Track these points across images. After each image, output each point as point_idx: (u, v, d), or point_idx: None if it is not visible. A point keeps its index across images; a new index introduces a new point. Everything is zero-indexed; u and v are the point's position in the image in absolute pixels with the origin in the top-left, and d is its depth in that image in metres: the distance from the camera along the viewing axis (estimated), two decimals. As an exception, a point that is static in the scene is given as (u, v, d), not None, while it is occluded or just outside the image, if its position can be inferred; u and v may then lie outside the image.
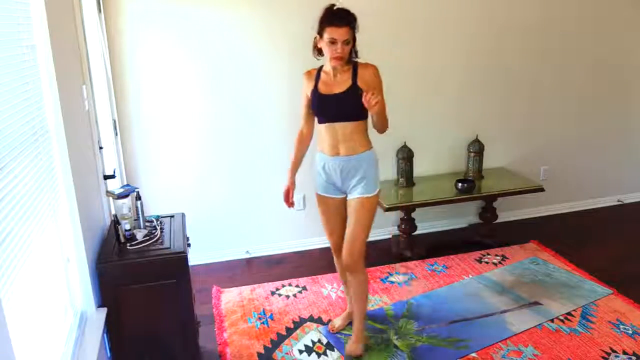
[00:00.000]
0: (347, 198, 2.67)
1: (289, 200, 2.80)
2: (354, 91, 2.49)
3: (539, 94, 4.26)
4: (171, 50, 3.46)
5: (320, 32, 2.45)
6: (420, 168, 4.04)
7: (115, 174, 2.93)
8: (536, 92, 4.25)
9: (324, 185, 2.71)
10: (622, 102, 4.53)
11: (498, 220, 4.11)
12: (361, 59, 2.59)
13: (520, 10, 4.00)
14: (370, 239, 4.17)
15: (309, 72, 2.65)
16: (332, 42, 2.41)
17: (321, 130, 2.63)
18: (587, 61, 4.29)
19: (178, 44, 3.46)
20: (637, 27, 4.36)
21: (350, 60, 2.53)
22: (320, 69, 2.61)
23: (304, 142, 2.79)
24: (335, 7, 2.45)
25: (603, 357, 2.68)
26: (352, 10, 2.45)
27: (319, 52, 2.55)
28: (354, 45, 2.49)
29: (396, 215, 4.01)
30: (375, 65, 2.57)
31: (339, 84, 2.54)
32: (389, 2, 3.73)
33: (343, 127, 2.56)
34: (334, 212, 2.75)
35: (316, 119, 2.67)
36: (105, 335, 2.32)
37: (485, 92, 4.12)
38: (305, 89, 2.65)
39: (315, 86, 2.58)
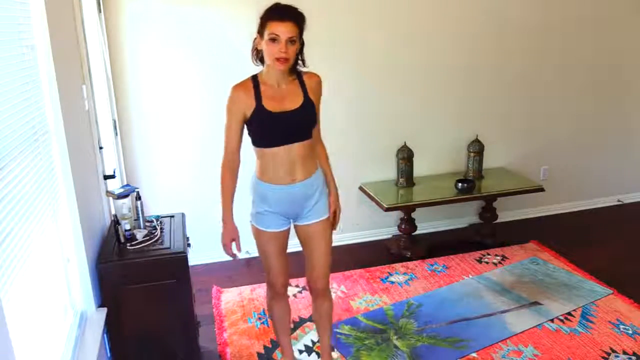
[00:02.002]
0: (300, 224, 2.33)
1: (231, 250, 2.33)
2: (309, 106, 2.18)
3: (539, 94, 4.26)
4: (171, 50, 3.46)
5: (261, 30, 2.08)
6: (420, 168, 4.04)
7: (115, 174, 2.92)
8: (536, 92, 4.25)
9: (272, 219, 2.28)
10: (622, 102, 4.53)
11: (498, 220, 4.11)
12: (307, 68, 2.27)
13: (521, 10, 4.00)
14: (371, 239, 4.22)
15: (241, 86, 2.15)
16: (274, 39, 2.02)
17: (268, 156, 2.18)
18: (587, 61, 4.29)
19: (178, 44, 3.46)
20: (637, 27, 4.36)
21: (294, 69, 2.19)
22: (255, 81, 2.15)
23: (235, 174, 2.26)
24: (281, 3, 2.10)
25: (603, 357, 2.68)
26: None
27: (257, 56, 2.17)
28: (301, 51, 2.15)
29: (396, 215, 4.01)
30: (318, 74, 2.27)
31: (290, 98, 2.16)
32: (389, 2, 3.73)
33: (300, 148, 2.17)
34: (283, 246, 2.39)
35: (253, 145, 2.22)
36: (105, 335, 2.32)
37: (485, 92, 4.12)
38: (239, 108, 2.13)
39: (259, 103, 2.11)
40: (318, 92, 2.25)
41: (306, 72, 2.25)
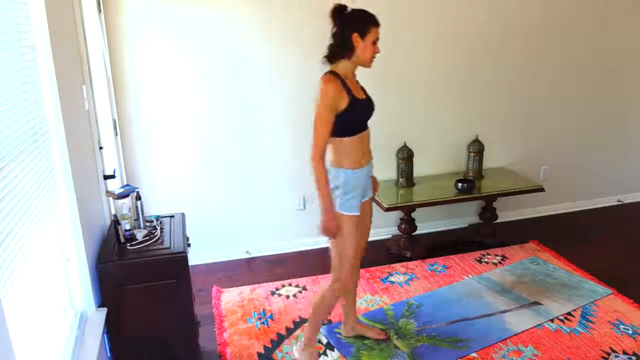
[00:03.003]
0: (363, 200, 2.49)
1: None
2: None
3: (539, 94, 4.26)
4: (171, 50, 3.46)
5: (364, 33, 2.34)
6: (420, 168, 4.04)
7: (115, 174, 2.92)
8: (536, 92, 4.25)
9: (357, 203, 2.42)
10: (622, 102, 4.53)
11: (498, 220, 4.11)
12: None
13: (521, 11, 4.00)
14: (371, 238, 4.19)
15: (335, 82, 2.32)
16: (375, 42, 2.38)
17: (352, 144, 2.36)
18: (587, 61, 4.29)
19: (178, 44, 3.46)
20: (637, 27, 4.36)
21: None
22: (337, 76, 2.34)
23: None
24: (362, 9, 2.41)
25: (603, 357, 2.68)
26: (352, 10, 2.44)
27: (342, 51, 2.38)
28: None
29: (396, 215, 4.01)
30: None
31: (358, 90, 2.45)
32: (389, 2, 3.72)
33: (368, 133, 2.49)
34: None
35: (338, 136, 2.36)
36: (105, 335, 2.32)
37: (485, 92, 4.12)
38: (336, 102, 2.29)
39: (352, 95, 2.34)
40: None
41: None
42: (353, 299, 2.84)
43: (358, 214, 2.42)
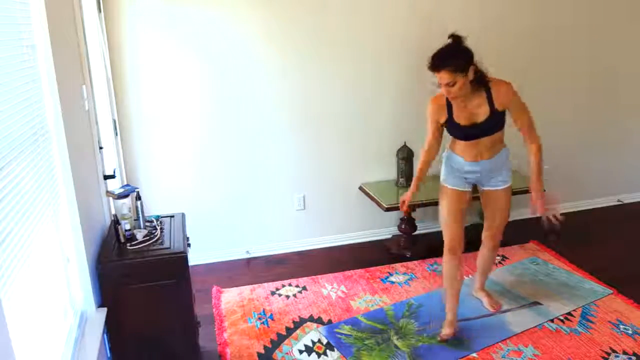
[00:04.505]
0: (487, 189, 2.82)
1: (404, 205, 2.91)
2: (496, 116, 2.59)
3: (539, 94, 4.25)
4: (171, 50, 3.46)
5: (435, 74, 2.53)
6: (420, 168, 4.04)
7: (115, 174, 2.92)
8: (536, 92, 4.24)
9: (456, 180, 2.79)
10: (622, 102, 4.53)
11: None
12: (489, 72, 2.60)
13: (519, 13, 4.00)
14: (371, 238, 4.22)
15: (436, 100, 2.68)
16: (441, 84, 2.50)
17: (458, 142, 2.73)
18: (586, 62, 4.29)
19: (178, 44, 3.46)
20: (635, 29, 4.36)
21: (481, 81, 2.54)
22: (441, 96, 2.63)
23: (430, 155, 2.82)
24: (441, 49, 2.51)
25: (603, 357, 2.68)
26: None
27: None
28: (476, 72, 2.51)
29: (396, 215, 4.01)
30: (508, 82, 2.61)
31: (477, 112, 2.59)
32: (388, 4, 3.72)
33: (487, 140, 2.66)
34: (459, 209, 2.82)
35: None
36: (105, 335, 2.32)
37: (485, 92, 4.12)
38: (433, 117, 2.71)
39: (450, 116, 2.64)
40: (507, 98, 2.59)
41: (494, 81, 2.60)
42: (449, 286, 2.93)
43: (449, 186, 2.80)
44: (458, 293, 2.91)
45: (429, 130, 2.78)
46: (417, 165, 2.87)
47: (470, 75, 2.49)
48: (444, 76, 2.46)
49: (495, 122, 2.61)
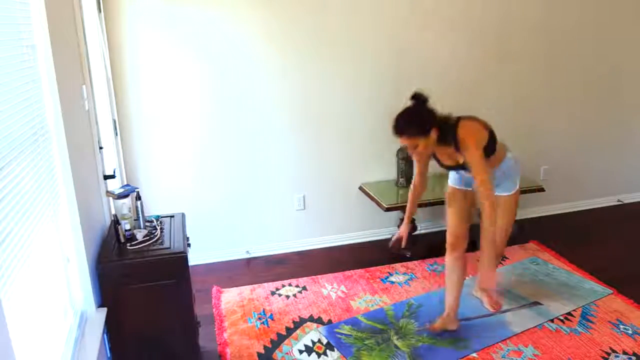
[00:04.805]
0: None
1: (399, 242, 2.91)
2: (465, 163, 2.56)
3: (539, 94, 4.26)
4: (171, 50, 3.46)
5: None
6: (420, 168, 4.04)
7: (115, 174, 2.92)
8: (536, 92, 4.25)
9: (455, 178, 2.86)
10: (622, 102, 4.53)
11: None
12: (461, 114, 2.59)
13: (522, 11, 4.01)
14: (371, 238, 4.22)
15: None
16: (407, 147, 2.53)
17: None
18: (587, 61, 4.30)
19: (178, 44, 3.46)
20: (637, 29, 4.36)
21: (447, 135, 2.50)
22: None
23: (419, 194, 2.89)
24: (402, 112, 2.47)
25: (603, 357, 2.68)
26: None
27: None
28: (439, 131, 2.47)
29: (396, 215, 4.01)
30: (473, 135, 2.51)
31: (456, 156, 2.59)
32: (387, 4, 3.72)
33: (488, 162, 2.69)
34: (461, 207, 2.88)
35: None
36: (105, 335, 2.32)
37: (485, 92, 4.12)
38: (419, 157, 2.72)
39: (435, 156, 2.69)
40: (467, 156, 2.50)
41: (462, 133, 2.50)
42: (450, 282, 2.94)
43: (452, 185, 2.87)
44: (457, 289, 2.90)
45: (416, 170, 2.82)
46: (409, 200, 2.90)
47: (433, 135, 2.46)
48: (404, 141, 2.47)
49: (488, 154, 2.62)
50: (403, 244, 2.89)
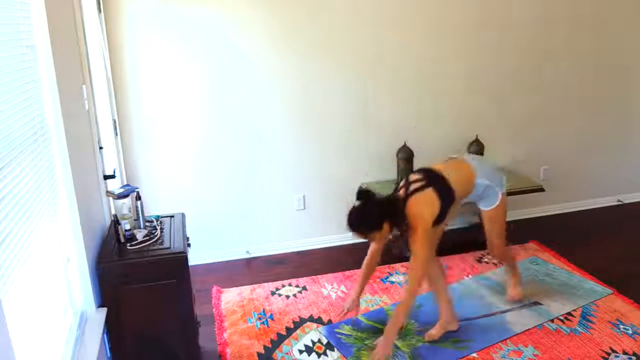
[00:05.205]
0: (479, 207, 2.91)
1: (340, 314, 2.83)
2: (442, 214, 2.58)
3: (539, 93, 4.26)
4: (171, 50, 3.46)
5: None
6: (420, 168, 4.04)
7: (115, 174, 2.92)
8: (536, 92, 4.25)
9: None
10: (622, 102, 4.53)
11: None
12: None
13: (521, 10, 4.01)
14: (370, 239, 4.21)
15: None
16: None
17: None
18: (587, 61, 4.30)
19: (178, 44, 3.46)
20: (638, 27, 4.36)
21: (401, 224, 2.52)
22: None
23: (373, 268, 2.86)
24: (351, 211, 2.50)
25: (603, 357, 2.68)
26: None
27: None
28: (391, 223, 2.49)
29: (396, 215, 4.01)
30: (419, 199, 2.53)
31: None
32: (387, 4, 3.73)
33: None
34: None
35: None
36: (105, 335, 2.32)
37: (485, 92, 4.12)
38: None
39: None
40: (412, 229, 2.51)
41: (409, 204, 2.52)
42: (435, 289, 2.94)
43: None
44: (443, 293, 2.89)
45: (371, 247, 2.77)
46: (362, 274, 2.80)
47: (385, 227, 2.48)
48: (358, 236, 2.53)
49: (443, 217, 2.61)
50: (352, 321, 2.93)
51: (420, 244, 2.49)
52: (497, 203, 2.79)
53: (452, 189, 2.61)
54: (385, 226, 2.48)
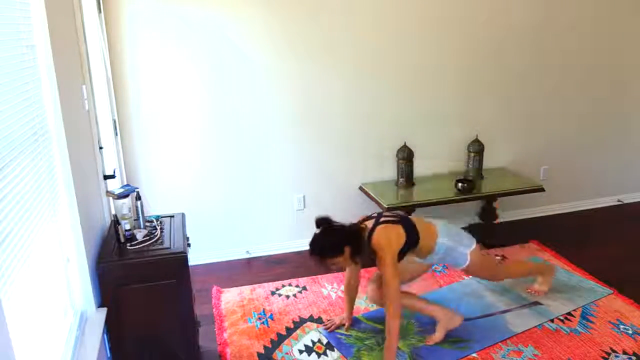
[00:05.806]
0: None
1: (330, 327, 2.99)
2: (402, 252, 2.68)
3: (539, 94, 4.26)
4: (171, 50, 3.46)
5: None
6: (420, 168, 4.04)
7: (115, 174, 2.92)
8: (536, 92, 4.25)
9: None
10: (622, 102, 4.53)
11: (498, 220, 4.11)
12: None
13: (521, 10, 4.01)
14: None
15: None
16: None
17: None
18: (587, 61, 4.29)
19: (178, 44, 3.46)
20: (637, 27, 4.36)
21: (359, 242, 2.59)
22: None
23: (354, 290, 2.98)
24: (312, 239, 2.58)
25: (603, 357, 2.68)
26: None
27: None
28: (351, 252, 2.56)
29: (396, 215, 4.01)
30: (384, 230, 2.61)
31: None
32: (387, 3, 3.72)
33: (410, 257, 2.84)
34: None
35: None
36: (105, 335, 2.32)
37: (485, 92, 4.12)
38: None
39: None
40: (378, 257, 2.61)
41: (375, 234, 2.61)
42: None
43: None
44: (424, 301, 2.96)
45: (347, 273, 2.90)
46: (345, 301, 2.97)
47: (347, 252, 2.55)
48: (321, 264, 2.61)
49: (405, 253, 2.69)
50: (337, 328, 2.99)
51: (391, 273, 2.56)
52: (468, 262, 2.80)
53: (418, 235, 2.70)
54: (347, 250, 2.55)
